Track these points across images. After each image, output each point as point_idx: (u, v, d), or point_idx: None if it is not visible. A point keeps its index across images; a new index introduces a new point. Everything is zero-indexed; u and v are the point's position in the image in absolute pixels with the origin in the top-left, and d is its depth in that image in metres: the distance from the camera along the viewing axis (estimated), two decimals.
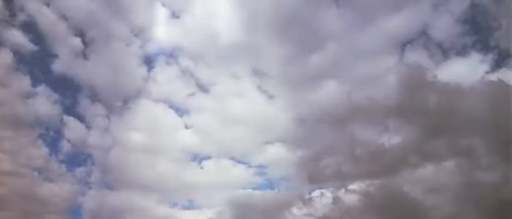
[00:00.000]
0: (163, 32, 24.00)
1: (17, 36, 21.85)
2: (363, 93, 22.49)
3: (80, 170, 22.65)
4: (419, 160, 22.20)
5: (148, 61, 23.97)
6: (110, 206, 21.79)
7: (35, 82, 22.45)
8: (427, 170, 22.14)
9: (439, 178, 21.88)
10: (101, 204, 22.06)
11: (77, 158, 22.99)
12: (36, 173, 21.74)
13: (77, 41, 23.25)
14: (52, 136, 22.58)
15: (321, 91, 23.47)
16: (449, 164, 21.86)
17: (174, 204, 23.19)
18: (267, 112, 23.60)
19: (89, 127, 23.10)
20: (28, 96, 22.38)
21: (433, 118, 21.36)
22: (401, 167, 22.40)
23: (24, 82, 22.16)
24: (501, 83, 20.50)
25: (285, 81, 23.73)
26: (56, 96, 22.71)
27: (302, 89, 23.62)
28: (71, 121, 22.85)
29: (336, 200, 22.25)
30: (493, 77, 21.18)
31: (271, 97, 23.98)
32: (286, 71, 23.72)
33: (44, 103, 22.57)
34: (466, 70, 22.25)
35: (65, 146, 22.47)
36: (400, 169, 22.46)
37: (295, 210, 22.45)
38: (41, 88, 22.60)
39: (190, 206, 23.12)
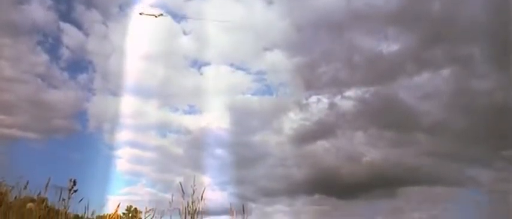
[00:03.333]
0: None
1: None
2: None
3: (82, 77, 23.08)
4: (416, 68, 22.45)
5: None
6: (113, 111, 22.59)
7: None
8: (423, 78, 22.51)
9: (434, 85, 22.33)
10: (105, 110, 22.88)
11: (78, 65, 23.27)
12: (39, 80, 22.18)
13: None
14: (51, 43, 22.56)
15: None
16: (446, 71, 22.15)
17: (175, 109, 24.02)
18: (265, 18, 23.24)
19: (86, 34, 22.97)
20: (21, 1, 21.98)
21: (433, 25, 21.12)
22: (397, 74, 22.74)
23: None
24: None
25: None
26: (49, 2, 22.20)
27: None
28: (68, 28, 22.64)
29: (331, 105, 22.99)
30: None
31: (270, 2, 23.45)
32: None
33: (39, 10, 22.13)
34: None
35: (65, 53, 22.58)
36: (396, 76, 22.83)
37: (292, 115, 23.33)
38: None
39: (190, 110, 23.95)
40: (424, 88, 22.36)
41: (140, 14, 17.97)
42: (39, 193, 4.40)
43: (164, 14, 18.81)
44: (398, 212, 27.29)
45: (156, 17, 18.52)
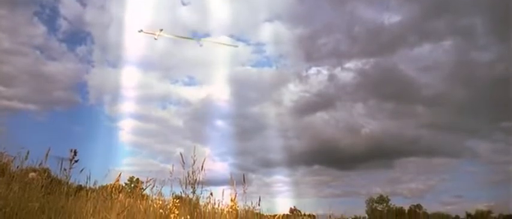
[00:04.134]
0: None
1: None
2: None
3: (80, 49, 22.92)
4: (418, 39, 22.26)
5: None
6: (113, 83, 22.51)
7: None
8: (424, 49, 22.36)
9: (435, 57, 22.20)
10: (105, 82, 22.82)
11: (76, 37, 23.09)
12: (38, 52, 22.02)
13: None
14: (48, 14, 22.26)
15: None
16: (447, 43, 21.97)
17: (175, 81, 23.98)
18: None
19: (84, 4, 22.63)
20: None
21: None
22: (398, 46, 22.58)
23: None
24: None
25: None
26: None
27: None
28: None
29: (331, 77, 22.96)
30: None
31: None
32: None
33: None
34: None
35: (63, 24, 22.30)
36: (397, 48, 22.67)
37: (291, 86, 23.33)
38: None
39: (190, 82, 23.92)
40: (424, 59, 22.26)
41: (139, 31, 16.76)
42: (41, 163, 4.45)
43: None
44: (395, 182, 27.79)
45: (155, 38, 17.15)
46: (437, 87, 22.27)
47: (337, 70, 22.77)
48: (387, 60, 22.68)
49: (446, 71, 22.15)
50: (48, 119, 21.82)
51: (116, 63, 22.85)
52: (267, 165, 21.71)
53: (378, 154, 22.68)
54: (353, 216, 21.34)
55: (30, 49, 21.84)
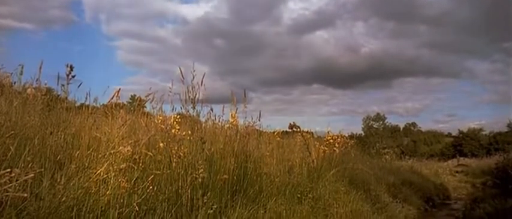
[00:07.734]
0: None
1: None
2: None
3: None
4: None
5: None
6: (108, 0, 21.71)
7: None
8: None
9: None
10: None
11: None
12: None
13: None
14: None
15: None
16: None
17: None
18: None
19: None
20: None
21: None
22: None
23: None
24: None
25: None
26: None
27: None
28: None
29: None
30: None
31: None
32: None
33: None
34: None
35: None
36: None
37: (291, 4, 22.61)
38: None
39: (187, 0, 23.05)
40: None
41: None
42: (38, 79, 4.40)
43: None
44: (392, 101, 28.31)
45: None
46: (441, 5, 21.66)
47: None
48: None
49: None
50: (45, 38, 21.51)
51: None
52: (266, 84, 21.85)
53: (376, 74, 22.85)
54: (350, 133, 22.01)
55: None
